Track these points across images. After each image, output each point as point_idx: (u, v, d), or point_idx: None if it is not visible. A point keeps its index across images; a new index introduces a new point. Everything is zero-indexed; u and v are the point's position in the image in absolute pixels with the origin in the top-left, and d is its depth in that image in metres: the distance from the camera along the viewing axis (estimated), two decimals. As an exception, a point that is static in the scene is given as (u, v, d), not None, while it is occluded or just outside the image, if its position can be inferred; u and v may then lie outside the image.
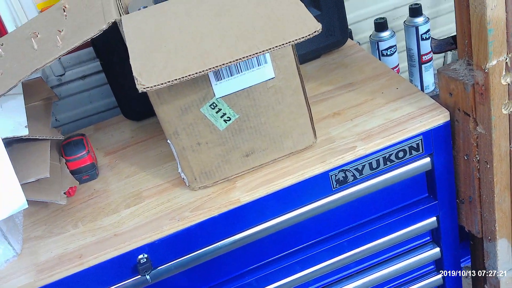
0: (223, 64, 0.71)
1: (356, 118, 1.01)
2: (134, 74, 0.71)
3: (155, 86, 0.70)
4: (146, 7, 0.90)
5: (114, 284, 0.91)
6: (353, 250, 1.05)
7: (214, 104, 0.87)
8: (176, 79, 0.70)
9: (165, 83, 0.70)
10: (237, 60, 0.71)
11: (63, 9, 0.97)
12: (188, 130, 0.88)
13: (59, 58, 1.27)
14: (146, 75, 0.71)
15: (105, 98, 1.38)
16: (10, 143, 0.93)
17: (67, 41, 0.88)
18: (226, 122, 0.89)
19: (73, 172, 1.03)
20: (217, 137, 0.90)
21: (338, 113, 1.04)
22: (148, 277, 0.89)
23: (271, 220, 0.95)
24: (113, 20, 0.86)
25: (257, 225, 0.95)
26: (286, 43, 0.71)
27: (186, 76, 0.70)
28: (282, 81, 0.89)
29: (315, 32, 0.71)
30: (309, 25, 0.72)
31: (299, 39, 0.71)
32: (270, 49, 0.71)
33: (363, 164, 0.95)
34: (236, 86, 0.87)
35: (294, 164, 0.94)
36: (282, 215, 0.95)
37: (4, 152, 0.82)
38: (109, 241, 0.90)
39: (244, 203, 0.91)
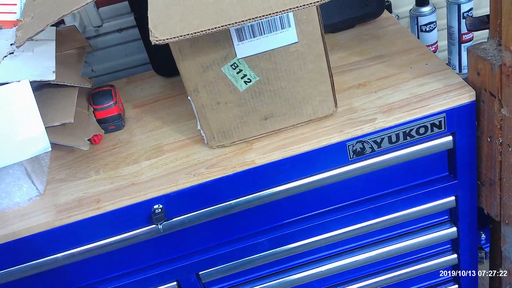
0: (239, 22, 0.72)
1: (381, 91, 1.00)
2: (149, 26, 0.72)
3: (168, 39, 0.71)
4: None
5: (128, 230, 0.95)
6: (367, 221, 1.05)
7: (235, 65, 0.88)
8: (190, 33, 0.71)
9: (178, 36, 0.71)
10: (252, 19, 0.72)
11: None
12: (208, 88, 0.90)
13: (97, 9, 1.31)
14: (161, 27, 0.72)
15: (140, 52, 1.41)
16: (40, 87, 0.97)
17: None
18: (246, 84, 0.90)
19: (99, 121, 1.06)
20: (236, 97, 0.91)
21: (363, 84, 1.03)
22: (160, 226, 0.93)
23: (284, 184, 0.96)
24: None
25: (270, 188, 0.96)
26: (301, 6, 0.71)
27: (201, 31, 0.71)
28: (305, 47, 0.89)
29: (305, 5, 0.71)
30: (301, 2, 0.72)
31: (315, 2, 0.71)
32: (285, 10, 0.71)
33: (382, 137, 0.94)
34: (258, 48, 0.87)
35: (313, 131, 0.95)
36: (296, 180, 0.96)
37: (30, 95, 0.86)
38: (126, 189, 0.93)
39: (259, 165, 0.93)
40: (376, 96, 0.99)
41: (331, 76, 0.93)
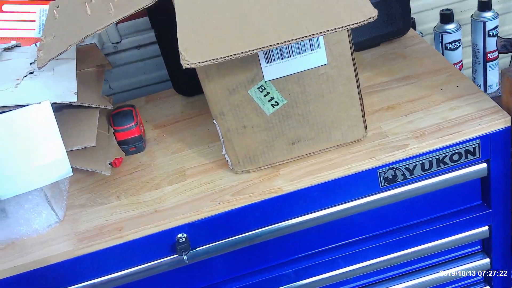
0: (273, 45, 0.68)
1: (411, 114, 0.97)
2: (179, 48, 0.69)
3: (199, 63, 0.68)
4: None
5: (151, 260, 0.92)
6: (397, 252, 1.01)
7: (263, 87, 0.85)
8: (222, 57, 0.68)
9: (210, 60, 0.68)
10: (287, 41, 0.68)
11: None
12: (234, 112, 0.87)
13: (116, 25, 1.28)
14: (192, 50, 0.69)
15: (158, 70, 1.38)
16: (59, 108, 0.94)
17: (120, 9, 0.87)
18: (274, 107, 0.87)
19: (120, 143, 1.04)
20: (263, 121, 0.88)
21: (392, 107, 1.00)
22: (185, 257, 0.89)
23: (313, 212, 0.93)
24: (168, -11, 0.84)
25: (298, 216, 0.93)
26: (338, 28, 0.68)
27: (233, 55, 0.68)
28: (334, 69, 0.85)
29: (370, 18, 0.67)
30: (364, 11, 0.68)
31: (352, 24, 0.68)
32: (322, 32, 0.68)
33: (414, 164, 0.91)
34: (286, 70, 0.84)
35: (342, 157, 0.91)
36: (325, 209, 0.93)
37: (52, 117, 0.83)
38: (149, 216, 0.90)
39: (286, 192, 0.90)
40: (406, 120, 0.96)
41: (361, 99, 0.90)
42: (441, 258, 1.07)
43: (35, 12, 1.12)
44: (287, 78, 0.85)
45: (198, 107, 1.17)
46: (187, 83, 1.19)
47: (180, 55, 0.69)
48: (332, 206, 0.93)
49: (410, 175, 0.92)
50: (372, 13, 0.68)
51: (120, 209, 0.93)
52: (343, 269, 1.02)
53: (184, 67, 0.68)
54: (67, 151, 0.86)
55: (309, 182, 0.90)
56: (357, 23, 0.67)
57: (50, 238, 0.91)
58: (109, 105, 1.00)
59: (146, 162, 1.04)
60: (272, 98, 0.86)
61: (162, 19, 1.11)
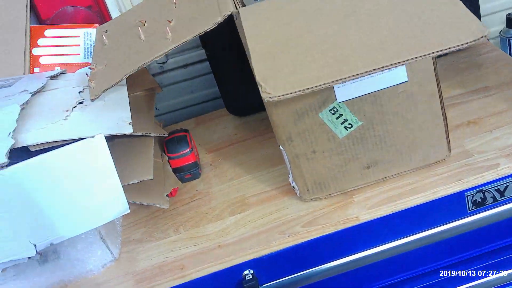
0: (361, 73, 0.60)
1: (496, 130, 0.87)
2: (257, 79, 0.61)
3: (283, 95, 0.60)
4: None
5: (215, 300, 0.84)
6: (486, 277, 0.91)
7: (335, 109, 0.77)
8: (308, 88, 0.60)
9: (295, 92, 0.60)
10: (377, 69, 0.60)
11: (173, -4, 0.89)
12: (303, 136, 0.79)
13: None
14: (272, 81, 0.61)
15: (206, 88, 1.31)
16: (111, 137, 0.87)
17: (178, 34, 0.80)
18: (347, 130, 0.79)
19: (175, 170, 0.96)
20: (335, 145, 0.80)
21: (474, 122, 0.90)
22: (252, 296, 0.81)
23: (393, 241, 0.84)
24: (229, 13, 0.77)
25: (377, 246, 0.84)
26: (440, 50, 0.59)
27: (319, 86, 0.60)
28: (415, 86, 0.76)
29: (481, 37, 0.58)
30: (472, 29, 0.59)
31: (459, 45, 0.59)
32: (419, 57, 0.59)
33: (506, 184, 0.81)
34: (361, 90, 0.76)
35: (424, 180, 0.82)
36: (406, 237, 0.84)
37: (107, 152, 0.76)
38: (212, 252, 0.82)
39: (363, 221, 0.81)
40: (492, 136, 0.86)
41: (445, 117, 0.80)
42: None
43: (79, 36, 1.05)
44: (362, 98, 0.76)
45: (252, 128, 1.09)
46: (240, 103, 1.11)
47: (259, 87, 0.60)
48: (415, 234, 0.84)
49: (500, 197, 0.83)
50: (483, 31, 0.58)
51: (179, 244, 0.86)
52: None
53: (265, 101, 0.60)
54: (123, 186, 0.79)
55: (389, 210, 0.81)
56: (465, 43, 0.58)
57: (106, 279, 0.83)
58: (164, 133, 0.93)
59: (204, 190, 0.96)
60: (346, 120, 0.78)
61: (215, 39, 1.04)
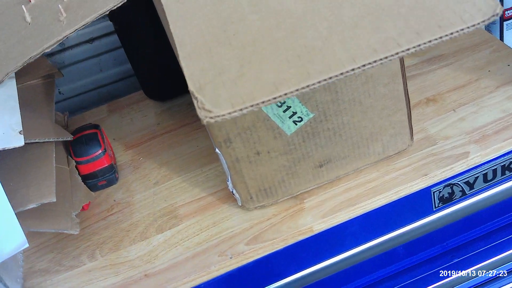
0: (335, 76, 0.45)
1: (460, 109, 0.76)
2: (190, 88, 0.44)
3: (229, 113, 0.43)
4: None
5: None
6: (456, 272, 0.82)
7: (282, 101, 0.62)
8: (263, 102, 0.43)
9: (245, 108, 0.43)
10: (365, 65, 0.45)
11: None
12: (244, 136, 0.64)
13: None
14: (211, 90, 0.44)
15: (118, 65, 1.12)
16: (-1, 148, 0.69)
17: (74, 13, 0.62)
18: (296, 124, 0.64)
19: (86, 178, 0.79)
20: (282, 144, 0.65)
21: (434, 99, 0.78)
22: (191, 333, 0.67)
23: (352, 249, 0.72)
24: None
25: (332, 257, 0.72)
26: (443, 36, 0.45)
27: (278, 97, 0.44)
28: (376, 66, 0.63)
29: (493, 16, 0.44)
30: (480, 6, 0.45)
31: (466, 28, 0.45)
32: (418, 46, 0.45)
33: (476, 175, 0.70)
34: (312, 76, 0.61)
35: (384, 177, 0.70)
36: (366, 243, 0.72)
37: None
38: (138, 284, 0.67)
39: (318, 231, 0.68)
40: (457, 117, 0.75)
41: (407, 100, 0.68)
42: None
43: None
44: (313, 85, 0.62)
45: (178, 116, 0.93)
46: (160, 84, 0.94)
47: (195, 100, 0.43)
48: (376, 238, 0.72)
49: (470, 190, 0.72)
50: (494, 9, 0.44)
51: (96, 275, 0.70)
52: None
53: (204, 122, 0.43)
54: (17, 213, 0.61)
55: (346, 216, 0.68)
56: (473, 25, 0.44)
57: (6, 329, 0.67)
58: (68, 136, 0.75)
59: (123, 200, 0.79)
60: (294, 113, 0.63)
61: (123, 11, 0.85)
